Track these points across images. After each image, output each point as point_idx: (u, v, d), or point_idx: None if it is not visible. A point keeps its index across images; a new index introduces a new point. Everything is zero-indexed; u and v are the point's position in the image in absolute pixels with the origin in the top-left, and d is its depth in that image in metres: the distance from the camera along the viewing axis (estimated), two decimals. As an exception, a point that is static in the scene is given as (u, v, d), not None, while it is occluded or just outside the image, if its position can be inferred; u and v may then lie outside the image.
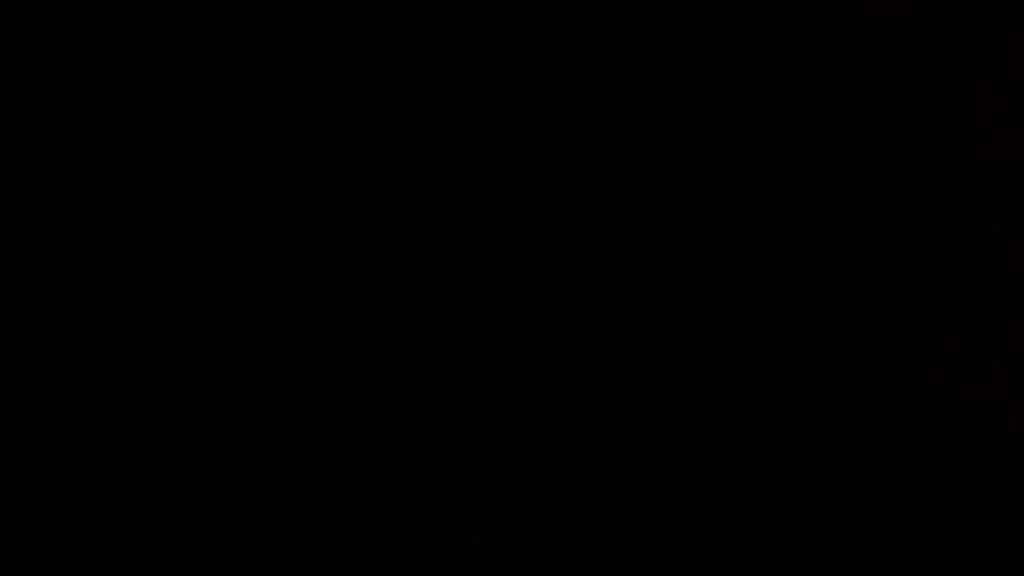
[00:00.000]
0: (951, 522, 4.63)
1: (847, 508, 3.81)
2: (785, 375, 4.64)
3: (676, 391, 4.58)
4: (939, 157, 4.27)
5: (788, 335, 4.76)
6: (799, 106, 4.69)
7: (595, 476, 4.10)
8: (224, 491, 2.49)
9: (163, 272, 2.36)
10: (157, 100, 2.34)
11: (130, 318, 2.31)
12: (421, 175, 2.95)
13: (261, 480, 2.57)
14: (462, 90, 3.06)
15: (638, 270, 4.39)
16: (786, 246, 5.78)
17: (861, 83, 4.50)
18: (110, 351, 2.27)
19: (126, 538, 2.30)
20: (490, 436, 3.32)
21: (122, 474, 2.29)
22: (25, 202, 2.12)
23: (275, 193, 2.57)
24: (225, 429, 2.49)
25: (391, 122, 2.83)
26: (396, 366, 2.90)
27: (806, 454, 4.69)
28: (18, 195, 2.11)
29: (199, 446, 2.43)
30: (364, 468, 2.82)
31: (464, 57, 3.04)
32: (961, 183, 4.34)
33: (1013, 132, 4.16)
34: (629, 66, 3.71)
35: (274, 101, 2.57)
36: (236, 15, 2.47)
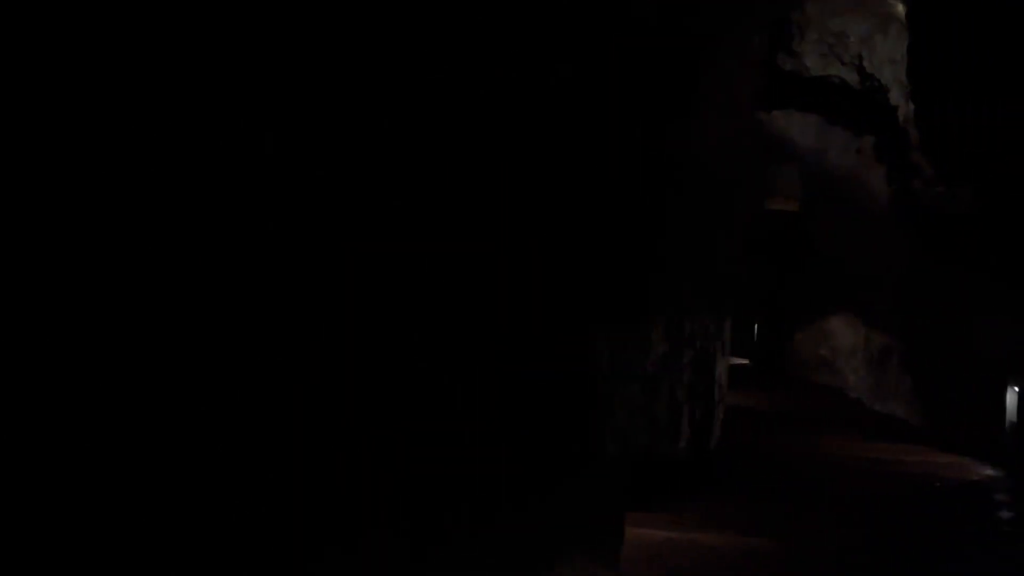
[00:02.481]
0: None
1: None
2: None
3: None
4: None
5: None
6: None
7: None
8: (224, 491, 2.49)
9: (163, 271, 2.36)
10: (158, 100, 2.34)
11: (130, 317, 2.31)
12: (421, 175, 2.95)
13: (261, 480, 2.57)
14: (462, 90, 3.07)
15: (638, 269, 4.39)
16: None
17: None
18: (110, 350, 2.27)
19: (126, 537, 2.30)
20: (490, 436, 3.32)
21: (122, 473, 2.28)
22: (25, 202, 2.12)
23: (275, 193, 2.57)
24: (225, 429, 2.49)
25: (391, 122, 2.83)
26: (396, 366, 2.90)
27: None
28: (18, 195, 2.11)
29: (199, 446, 2.43)
30: (364, 468, 2.82)
31: (464, 57, 3.04)
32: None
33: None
34: (629, 66, 3.71)
35: (274, 101, 2.57)
36: (236, 15, 2.47)
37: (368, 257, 2.79)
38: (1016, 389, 8.63)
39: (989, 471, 8.34)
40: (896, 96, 9.78)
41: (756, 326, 12.80)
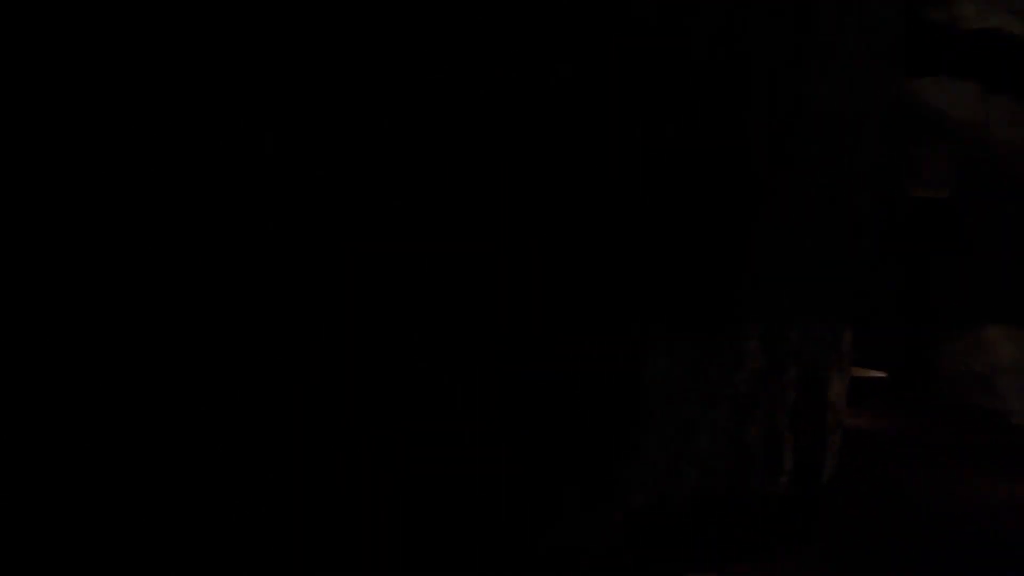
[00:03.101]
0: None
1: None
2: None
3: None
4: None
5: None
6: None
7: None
8: (224, 491, 2.50)
9: (163, 272, 2.37)
10: (158, 100, 2.35)
11: (128, 317, 2.31)
12: (421, 175, 2.95)
13: (261, 480, 2.57)
14: (462, 90, 3.07)
15: (640, 268, 4.39)
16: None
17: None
18: (110, 351, 2.27)
19: (127, 538, 2.30)
20: (490, 436, 3.32)
21: (120, 474, 2.29)
22: (26, 202, 2.12)
23: (275, 193, 2.57)
24: (225, 429, 2.50)
25: (391, 122, 2.83)
26: (396, 366, 2.90)
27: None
28: (19, 195, 2.11)
29: (198, 446, 2.43)
30: (364, 468, 2.82)
31: (464, 57, 3.04)
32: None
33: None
34: (629, 66, 3.71)
35: (274, 101, 2.57)
36: (236, 15, 2.48)
37: (368, 257, 2.79)
38: None
39: None
40: (1081, 49, 7.56)
41: (895, 334, 11.17)
